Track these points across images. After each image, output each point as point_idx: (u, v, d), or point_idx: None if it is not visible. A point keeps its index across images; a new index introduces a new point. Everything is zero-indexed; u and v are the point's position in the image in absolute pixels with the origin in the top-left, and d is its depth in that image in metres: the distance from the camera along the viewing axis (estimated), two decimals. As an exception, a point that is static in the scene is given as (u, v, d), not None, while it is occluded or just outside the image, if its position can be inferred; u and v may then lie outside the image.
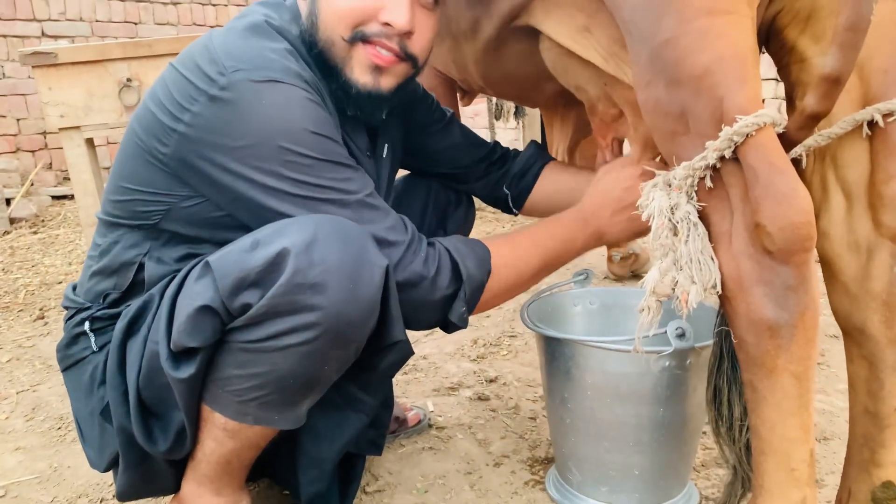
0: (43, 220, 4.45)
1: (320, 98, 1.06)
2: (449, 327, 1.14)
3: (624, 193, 1.20)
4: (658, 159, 1.22)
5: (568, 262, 1.25)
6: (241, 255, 0.96)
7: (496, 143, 1.49)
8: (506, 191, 1.45)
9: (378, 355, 1.09)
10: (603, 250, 2.92)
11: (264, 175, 1.00)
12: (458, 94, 1.98)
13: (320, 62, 1.09)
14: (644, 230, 1.19)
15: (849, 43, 0.78)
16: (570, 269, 2.82)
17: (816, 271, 0.85)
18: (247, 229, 1.03)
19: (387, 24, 1.04)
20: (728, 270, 0.86)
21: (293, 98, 1.00)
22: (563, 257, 1.22)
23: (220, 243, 1.04)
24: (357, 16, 1.04)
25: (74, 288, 1.22)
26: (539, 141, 1.53)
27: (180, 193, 1.06)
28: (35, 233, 4.15)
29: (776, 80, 3.34)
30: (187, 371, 0.99)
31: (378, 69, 1.08)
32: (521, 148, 1.52)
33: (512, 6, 1.20)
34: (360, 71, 1.08)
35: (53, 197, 5.03)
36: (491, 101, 4.05)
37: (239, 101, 0.98)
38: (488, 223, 3.94)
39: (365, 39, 1.05)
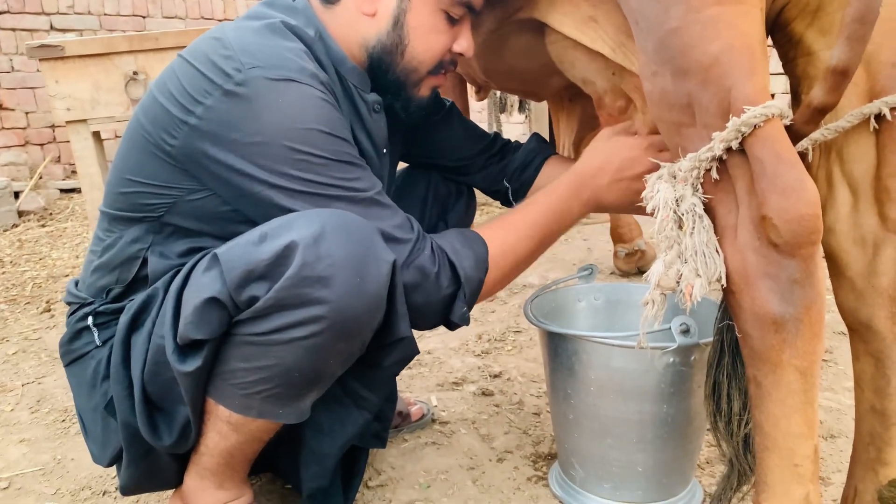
0: (51, 213, 4.47)
1: (334, 99, 1.07)
2: (451, 326, 1.15)
3: (625, 163, 1.16)
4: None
5: (565, 233, 1.23)
6: (248, 247, 0.96)
7: (496, 135, 1.49)
8: (506, 184, 1.44)
9: (383, 352, 1.09)
10: (610, 246, 2.91)
11: (274, 174, 1.00)
12: (473, 89, 1.98)
13: (384, 81, 1.16)
14: (640, 200, 1.17)
15: (857, 35, 0.77)
16: (576, 264, 2.82)
17: (823, 266, 0.84)
18: (252, 224, 1.03)
19: (459, 54, 1.17)
20: (733, 264, 0.85)
21: (308, 97, 1.01)
22: (560, 230, 1.20)
23: (225, 238, 1.04)
24: (445, 52, 1.16)
25: (77, 283, 1.22)
26: (548, 133, 1.52)
27: (186, 187, 1.06)
28: (43, 226, 4.17)
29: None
30: (193, 364, 0.99)
31: (437, 86, 1.22)
32: (527, 142, 1.51)
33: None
34: (425, 90, 1.20)
35: (62, 190, 5.05)
36: (495, 94, 4.03)
37: (254, 98, 0.98)
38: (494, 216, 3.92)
39: (441, 68, 1.18)
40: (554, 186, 1.21)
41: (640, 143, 1.17)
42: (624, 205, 1.20)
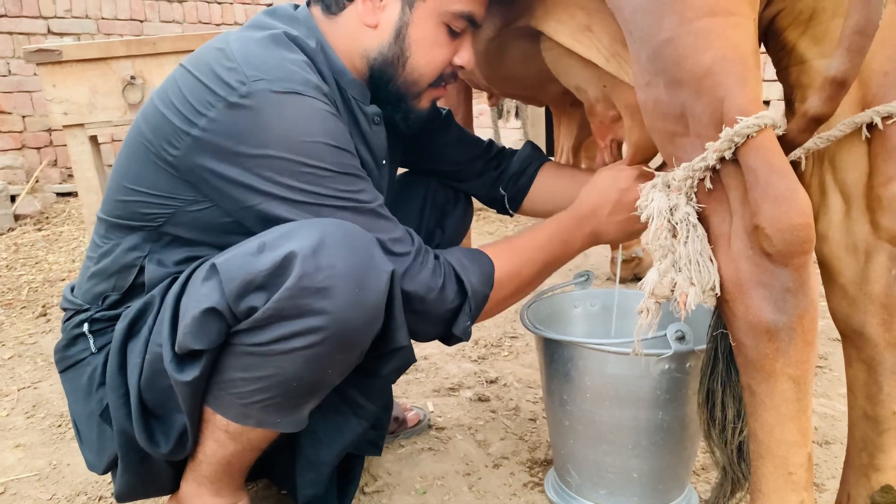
0: (47, 217, 4.46)
1: (336, 110, 1.07)
2: (451, 340, 1.15)
3: (620, 195, 1.20)
4: (658, 165, 1.23)
5: (566, 263, 1.25)
6: (247, 258, 0.95)
7: (491, 141, 1.50)
8: (502, 192, 1.45)
9: (381, 360, 1.09)
10: (607, 252, 2.92)
11: (278, 186, 1.00)
12: (486, 95, 1.98)
13: (384, 92, 1.16)
14: (640, 230, 1.19)
15: (856, 46, 0.77)
16: (572, 270, 2.82)
17: (816, 274, 0.85)
18: (251, 235, 1.02)
19: (459, 66, 1.18)
20: (727, 272, 0.86)
21: (313, 110, 1.01)
22: (562, 259, 1.23)
23: (222, 247, 1.04)
24: (446, 65, 1.17)
25: (73, 289, 1.21)
26: (544, 139, 1.53)
27: (186, 197, 1.06)
28: (39, 230, 4.17)
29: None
30: (191, 374, 0.99)
31: (437, 98, 1.23)
32: (524, 148, 1.51)
33: (512, 7, 1.20)
34: (426, 102, 1.20)
35: (58, 194, 5.04)
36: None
37: (259, 111, 0.98)
38: (491, 223, 3.93)
39: (442, 80, 1.19)
40: (557, 217, 1.24)
41: (631, 174, 1.20)
42: (624, 236, 1.24)
